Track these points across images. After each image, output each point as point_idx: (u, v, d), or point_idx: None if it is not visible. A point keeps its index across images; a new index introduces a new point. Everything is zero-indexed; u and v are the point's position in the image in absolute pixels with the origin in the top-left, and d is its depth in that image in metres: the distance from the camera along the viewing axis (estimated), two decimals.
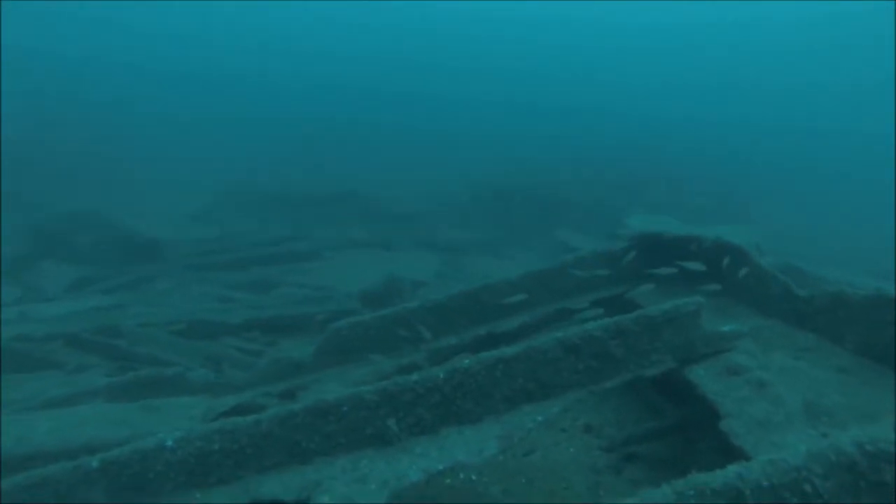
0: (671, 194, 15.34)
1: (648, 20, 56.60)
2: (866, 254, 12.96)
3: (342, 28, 61.69)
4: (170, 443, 3.74)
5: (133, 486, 3.77)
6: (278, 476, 3.73)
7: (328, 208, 15.62)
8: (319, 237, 12.76)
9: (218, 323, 7.24)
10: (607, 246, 6.12)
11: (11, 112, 19.91)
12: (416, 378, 3.91)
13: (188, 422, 4.47)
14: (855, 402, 3.46)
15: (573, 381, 4.07)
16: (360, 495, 3.36)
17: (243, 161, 22.63)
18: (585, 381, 4.08)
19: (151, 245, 10.76)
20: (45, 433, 4.61)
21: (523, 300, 5.52)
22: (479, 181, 17.77)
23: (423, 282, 9.53)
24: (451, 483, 4.85)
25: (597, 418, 5.48)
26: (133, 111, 30.58)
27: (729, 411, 3.64)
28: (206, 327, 7.16)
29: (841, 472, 2.33)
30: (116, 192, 16.01)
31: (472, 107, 39.14)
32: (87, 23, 48.39)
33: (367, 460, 3.75)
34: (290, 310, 7.65)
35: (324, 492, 3.45)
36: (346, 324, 5.64)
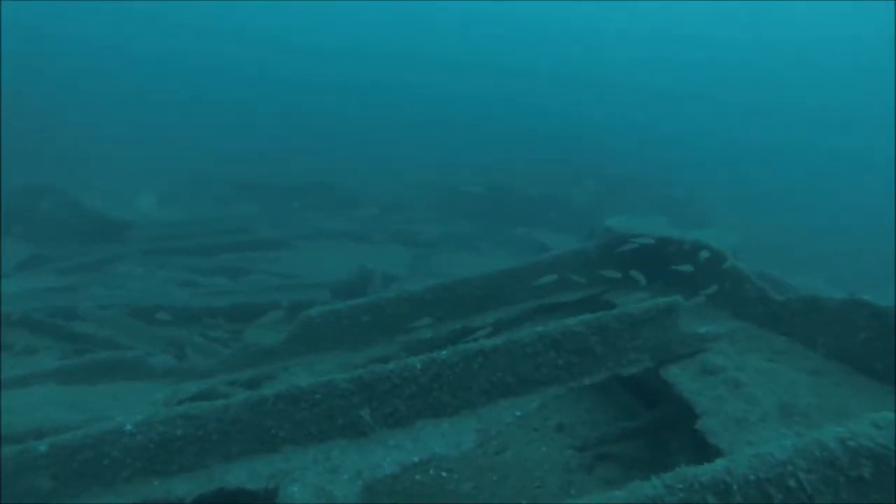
0: (653, 199, 15.57)
1: (646, 27, 57.00)
2: (840, 261, 13.43)
3: (324, 22, 60.90)
4: (129, 427, 3.54)
5: (85, 472, 3.55)
6: (245, 464, 3.57)
7: (300, 198, 15.32)
8: (290, 226, 12.49)
9: (182, 308, 6.97)
10: (585, 245, 6.13)
11: None
12: (392, 367, 3.80)
13: (149, 407, 4.26)
14: (827, 403, 3.51)
15: (552, 377, 4.03)
16: (332, 486, 3.23)
17: (215, 148, 22.07)
18: (564, 377, 4.04)
19: (114, 226, 10.31)
20: None
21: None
22: (459, 177, 17.71)
23: (394, 275, 9.41)
24: (420, 479, 4.75)
25: (569, 418, 5.45)
26: (104, 92, 29.55)
27: (705, 410, 3.65)
28: (170, 312, 6.88)
29: (823, 468, 2.34)
30: (80, 171, 15.33)
31: (459, 104, 38.95)
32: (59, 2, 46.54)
33: (338, 451, 3.62)
34: (257, 297, 7.42)
35: (293, 481, 3.32)
36: (318, 312, 5.48)
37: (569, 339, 4.03)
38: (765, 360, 4.08)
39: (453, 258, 11.44)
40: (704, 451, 3.79)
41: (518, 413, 3.81)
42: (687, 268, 4.75)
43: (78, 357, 5.58)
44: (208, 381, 5.06)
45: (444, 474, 4.81)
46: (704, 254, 4.92)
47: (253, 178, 16.62)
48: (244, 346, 5.35)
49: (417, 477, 4.74)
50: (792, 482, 2.32)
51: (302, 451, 3.65)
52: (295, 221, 13.18)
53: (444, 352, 3.88)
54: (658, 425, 4.78)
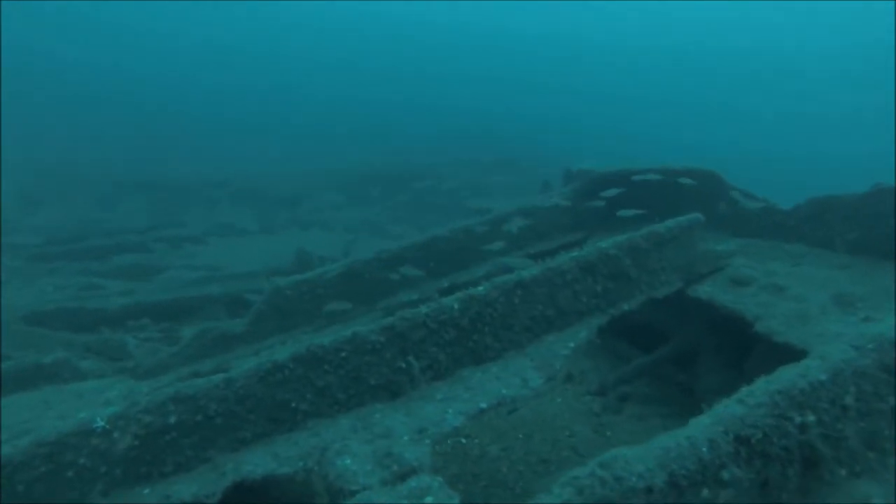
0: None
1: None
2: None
3: (213, 21, 56.28)
4: (100, 423, 2.63)
5: (40, 494, 2.59)
6: (264, 449, 2.80)
7: (193, 195, 13.74)
8: (192, 224, 11.08)
9: (93, 311, 5.72)
10: (563, 190, 5.88)
11: None
12: (426, 311, 3.22)
13: (104, 408, 3.27)
14: (873, 289, 3.50)
15: (592, 306, 3.67)
16: (397, 449, 2.59)
17: (88, 147, 19.21)
18: (603, 304, 3.70)
19: None
20: None
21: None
22: (361, 170, 17.05)
23: (332, 258, 8.60)
24: (440, 450, 4.18)
25: (575, 367, 5.15)
26: None
27: (757, 315, 3.48)
28: (76, 316, 5.62)
29: None
30: None
31: (350, 105, 37.85)
32: None
33: (379, 415, 2.98)
34: (187, 292, 6.32)
35: (340, 454, 2.62)
36: (287, 282, 4.70)
37: (604, 262, 3.70)
38: (790, 266, 4.04)
39: (382, 243, 10.80)
40: (732, 380, 3.60)
41: (572, 344, 3.41)
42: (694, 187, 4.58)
43: None
44: (163, 378, 4.09)
45: (463, 441, 4.27)
46: (704, 181, 4.83)
47: (135, 177, 14.65)
48: (201, 331, 4.41)
49: (437, 448, 4.16)
50: None
51: (331, 423, 2.95)
52: (195, 218, 11.76)
53: (482, 287, 3.37)
54: (671, 360, 4.63)
